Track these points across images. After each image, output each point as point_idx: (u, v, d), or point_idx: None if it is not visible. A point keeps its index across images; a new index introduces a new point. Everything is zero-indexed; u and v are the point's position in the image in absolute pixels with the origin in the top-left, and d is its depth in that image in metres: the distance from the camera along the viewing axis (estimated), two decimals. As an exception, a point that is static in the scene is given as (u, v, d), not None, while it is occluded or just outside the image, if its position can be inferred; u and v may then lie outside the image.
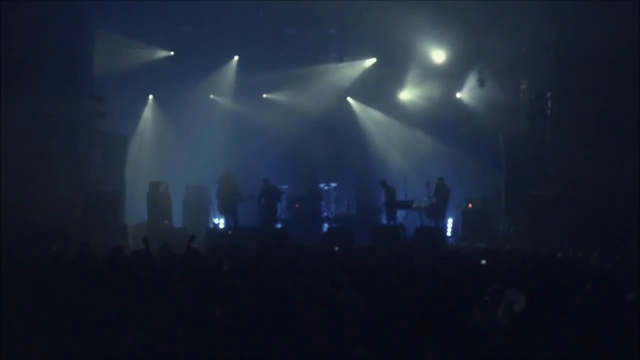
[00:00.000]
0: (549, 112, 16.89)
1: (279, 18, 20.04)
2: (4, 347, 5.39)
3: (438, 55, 20.15)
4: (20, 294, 6.86)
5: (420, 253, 12.48)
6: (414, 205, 18.85)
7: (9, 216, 13.54)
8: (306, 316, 6.26)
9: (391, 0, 18.13)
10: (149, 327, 5.88)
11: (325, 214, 20.17)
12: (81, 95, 16.63)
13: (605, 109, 15.26)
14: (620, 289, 7.36)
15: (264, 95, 22.06)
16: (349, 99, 22.15)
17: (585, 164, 15.38)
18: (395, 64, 20.84)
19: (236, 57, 21.31)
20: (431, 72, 20.55)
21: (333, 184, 20.90)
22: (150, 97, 21.41)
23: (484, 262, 10.44)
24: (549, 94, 16.86)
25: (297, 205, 19.72)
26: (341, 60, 21.21)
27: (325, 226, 19.69)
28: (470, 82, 20.28)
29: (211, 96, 22.02)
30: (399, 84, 21.28)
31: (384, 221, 19.19)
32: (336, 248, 13.16)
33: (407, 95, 21.46)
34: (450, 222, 19.74)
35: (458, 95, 20.82)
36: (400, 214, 19.30)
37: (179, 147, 20.85)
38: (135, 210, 18.64)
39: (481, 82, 19.85)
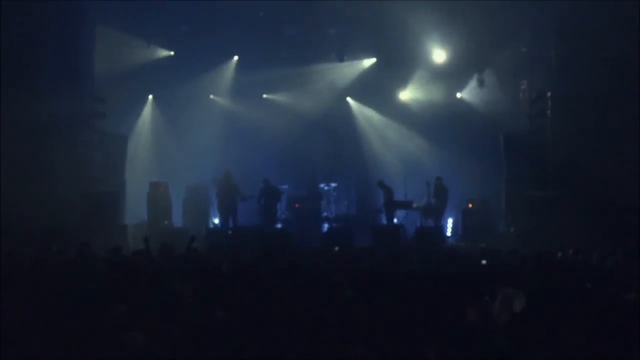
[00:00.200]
0: (549, 112, 16.89)
1: (279, 18, 20.02)
2: (4, 347, 5.38)
3: (438, 55, 20.16)
4: (20, 294, 6.86)
5: (420, 253, 12.47)
6: (414, 205, 18.85)
7: (9, 216, 13.53)
8: (306, 316, 6.26)
9: (391, 0, 18.14)
10: (149, 327, 5.88)
11: (325, 214, 20.18)
12: (81, 94, 16.62)
13: (605, 109, 15.27)
14: (620, 289, 7.36)
15: (264, 96, 22.06)
16: (348, 99, 22.15)
17: (585, 164, 15.38)
18: (396, 64, 20.84)
19: (236, 57, 21.31)
20: (431, 72, 20.55)
21: (333, 184, 20.92)
22: (150, 97, 21.41)
23: (484, 262, 10.43)
24: (549, 94, 16.86)
25: (297, 205, 19.72)
26: (341, 60, 21.19)
27: (325, 226, 19.69)
28: (471, 82, 20.29)
29: (211, 96, 22.02)
30: (399, 84, 21.31)
31: (384, 221, 19.20)
32: (336, 248, 13.15)
33: (407, 95, 21.48)
34: (450, 222, 19.75)
35: (458, 95, 20.84)
36: (400, 214, 19.31)
37: (179, 147, 20.86)
38: (135, 210, 18.64)
39: (481, 82, 19.87)
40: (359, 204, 21.05)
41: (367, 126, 22.03)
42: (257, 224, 18.85)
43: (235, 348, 5.57)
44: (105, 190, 17.23)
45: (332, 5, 18.80)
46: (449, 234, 19.51)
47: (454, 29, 19.11)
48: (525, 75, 19.04)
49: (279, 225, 19.31)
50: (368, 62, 21.42)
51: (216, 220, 20.07)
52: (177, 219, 19.14)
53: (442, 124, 20.45)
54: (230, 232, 18.17)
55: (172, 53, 20.73)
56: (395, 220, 19.00)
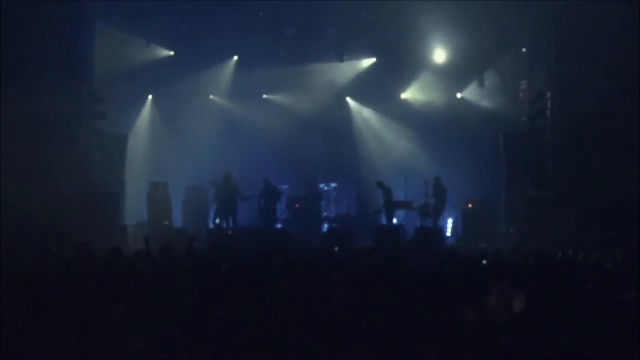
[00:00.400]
0: (548, 112, 16.89)
1: (278, 18, 20.03)
2: (4, 347, 5.38)
3: (438, 55, 20.16)
4: (20, 294, 6.86)
5: (420, 253, 12.47)
6: (414, 205, 18.85)
7: (9, 216, 13.53)
8: (306, 316, 6.25)
9: (391, 0, 18.14)
10: (149, 327, 5.88)
11: (325, 214, 20.20)
12: (81, 94, 16.62)
13: (605, 108, 15.27)
14: (620, 288, 7.36)
15: (264, 95, 22.05)
16: (348, 99, 22.15)
17: (585, 164, 15.39)
18: (395, 64, 20.86)
19: (235, 57, 21.31)
20: (431, 72, 20.56)
21: (333, 184, 20.93)
22: (150, 96, 21.41)
23: (484, 262, 10.43)
24: (549, 94, 16.86)
25: (297, 205, 19.73)
26: (341, 60, 21.20)
27: (325, 226, 19.70)
28: (471, 82, 20.29)
29: (211, 96, 22.02)
30: (399, 83, 21.31)
31: (384, 221, 19.21)
32: (336, 248, 13.16)
33: (407, 95, 21.47)
34: (450, 222, 19.75)
35: (458, 95, 20.84)
36: (400, 214, 19.31)
37: (178, 147, 20.85)
38: (135, 210, 18.63)
39: (481, 82, 19.87)
40: (359, 204, 21.06)
41: (367, 126, 22.04)
42: (257, 224, 18.86)
43: (235, 348, 5.57)
44: (105, 190, 17.23)
45: (331, 5, 18.83)
46: (449, 234, 19.51)
47: (454, 29, 19.13)
48: (525, 75, 19.04)
49: (279, 225, 19.32)
50: (368, 62, 21.42)
51: (217, 221, 20.07)
52: (177, 219, 19.14)
53: (442, 124, 20.45)
54: (230, 232, 18.19)
55: (172, 53, 20.73)
56: (395, 220, 19.00)
